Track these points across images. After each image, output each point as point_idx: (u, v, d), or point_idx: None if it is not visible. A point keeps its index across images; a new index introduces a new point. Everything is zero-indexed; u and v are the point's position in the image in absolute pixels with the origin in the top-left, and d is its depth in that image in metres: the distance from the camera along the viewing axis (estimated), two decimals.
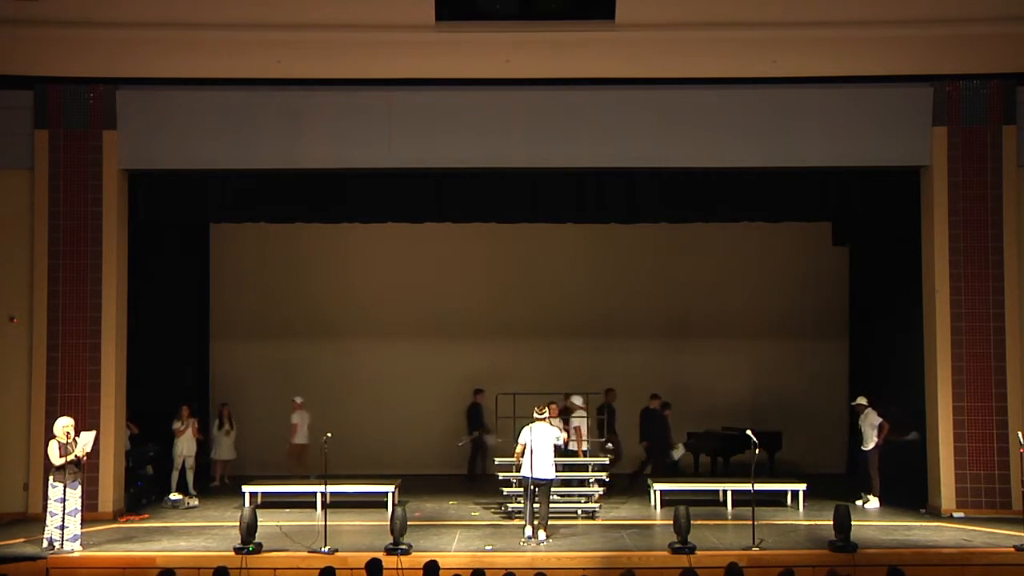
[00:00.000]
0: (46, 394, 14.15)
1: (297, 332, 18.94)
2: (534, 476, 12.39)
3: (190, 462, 15.89)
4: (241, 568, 11.06)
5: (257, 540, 11.66)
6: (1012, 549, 11.76)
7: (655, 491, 14.67)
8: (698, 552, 11.48)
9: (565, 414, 15.41)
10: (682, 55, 14.18)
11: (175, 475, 15.68)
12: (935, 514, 14.04)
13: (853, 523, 11.87)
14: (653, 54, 14.18)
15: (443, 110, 14.53)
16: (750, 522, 12.12)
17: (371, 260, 19.07)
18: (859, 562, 11.21)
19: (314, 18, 13.75)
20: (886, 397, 15.66)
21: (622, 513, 14.39)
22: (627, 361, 18.65)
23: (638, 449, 17.03)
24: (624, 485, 16.02)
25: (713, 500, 14.79)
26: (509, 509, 14.06)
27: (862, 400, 15.24)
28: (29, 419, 14.14)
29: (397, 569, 10.95)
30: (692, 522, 11.75)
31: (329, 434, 12.57)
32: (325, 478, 13.16)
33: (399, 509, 12.02)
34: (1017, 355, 14.22)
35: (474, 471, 17.55)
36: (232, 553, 11.47)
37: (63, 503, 11.68)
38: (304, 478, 16.01)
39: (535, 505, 12.42)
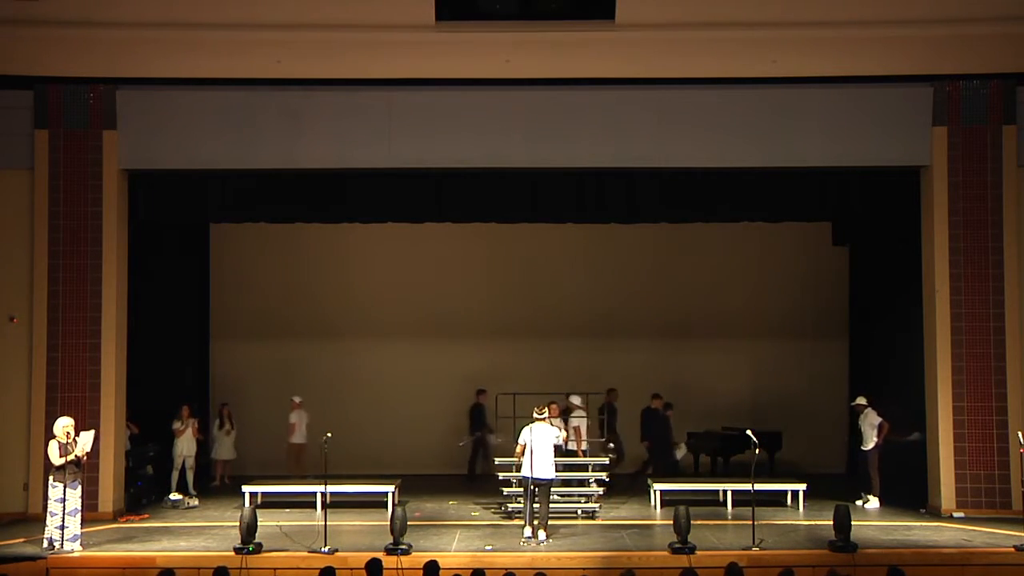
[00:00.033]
0: (46, 394, 14.15)
1: (297, 332, 18.94)
2: (534, 476, 12.39)
3: (190, 462, 15.88)
4: (241, 568, 11.06)
5: (257, 540, 11.66)
6: (1012, 549, 11.77)
7: (655, 491, 14.67)
8: (698, 552, 11.48)
9: (565, 414, 15.42)
10: (682, 55, 14.18)
11: (175, 475, 15.68)
12: (935, 514, 14.04)
13: (853, 523, 11.87)
14: (653, 54, 14.18)
15: (443, 110, 14.53)
16: (750, 522, 12.12)
17: (371, 260, 19.08)
18: (859, 562, 11.21)
19: (314, 18, 13.75)
20: (886, 397, 15.66)
21: (622, 513, 14.39)
22: (627, 361, 18.65)
23: (639, 449, 17.05)
24: (625, 484, 16.03)
25: (713, 500, 14.79)
26: (509, 509, 14.06)
27: (862, 400, 15.25)
28: (29, 419, 14.14)
29: (397, 569, 10.95)
30: (692, 522, 11.75)
31: (329, 434, 12.57)
32: (325, 478, 13.16)
33: (399, 509, 12.02)
34: (1017, 355, 14.22)
35: (474, 471, 17.55)
36: (232, 553, 11.46)
37: (63, 503, 11.68)
38: (303, 478, 16.02)
39: (535, 505, 12.42)
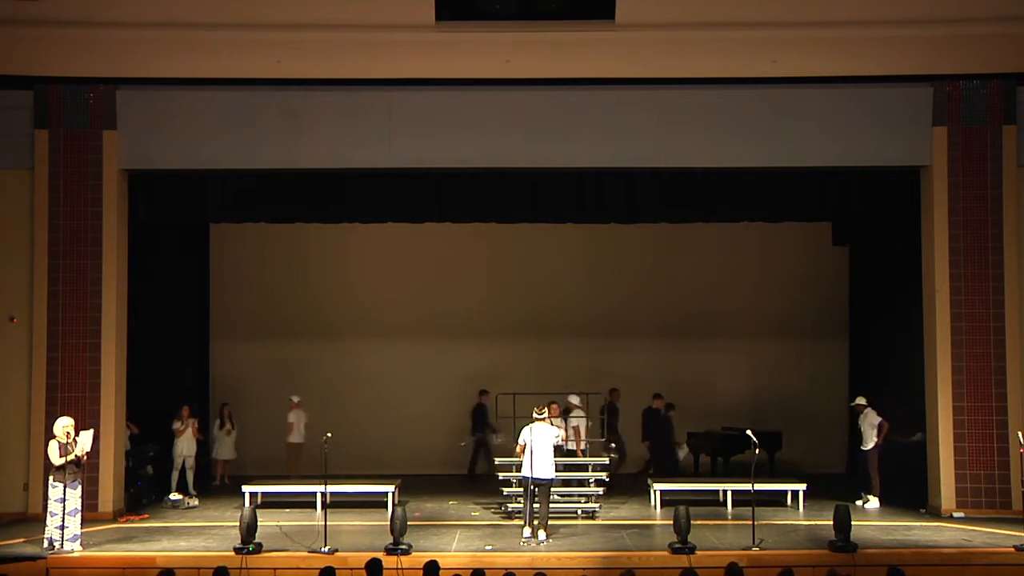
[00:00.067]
0: (46, 394, 14.15)
1: (297, 332, 18.94)
2: (534, 476, 12.39)
3: (190, 462, 15.88)
4: (241, 568, 11.06)
5: (257, 540, 11.66)
6: (1012, 549, 11.76)
7: (655, 491, 14.67)
8: (698, 552, 11.48)
9: (564, 414, 15.42)
10: (682, 55, 14.18)
11: (175, 475, 15.68)
12: (935, 514, 14.04)
13: (853, 523, 11.87)
14: (653, 54, 14.17)
15: (443, 110, 14.53)
16: (750, 522, 12.12)
17: (371, 260, 19.08)
18: (859, 562, 11.21)
19: (314, 18, 13.74)
20: (886, 397, 15.65)
21: (622, 513, 14.39)
22: (627, 361, 18.65)
23: (641, 449, 17.05)
24: (628, 484, 16.02)
25: (713, 500, 14.79)
26: (509, 509, 14.06)
27: (861, 400, 15.24)
28: (29, 419, 14.14)
29: (397, 569, 10.95)
30: (692, 522, 11.75)
31: (329, 434, 12.56)
32: (325, 478, 13.16)
33: (399, 509, 12.02)
34: (1017, 355, 14.22)
35: (475, 471, 17.55)
36: (232, 553, 11.46)
37: (63, 503, 11.68)
38: (302, 478, 16.00)
39: (535, 505, 12.42)
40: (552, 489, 12.95)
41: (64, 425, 11.84)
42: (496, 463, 14.73)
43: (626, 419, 17.06)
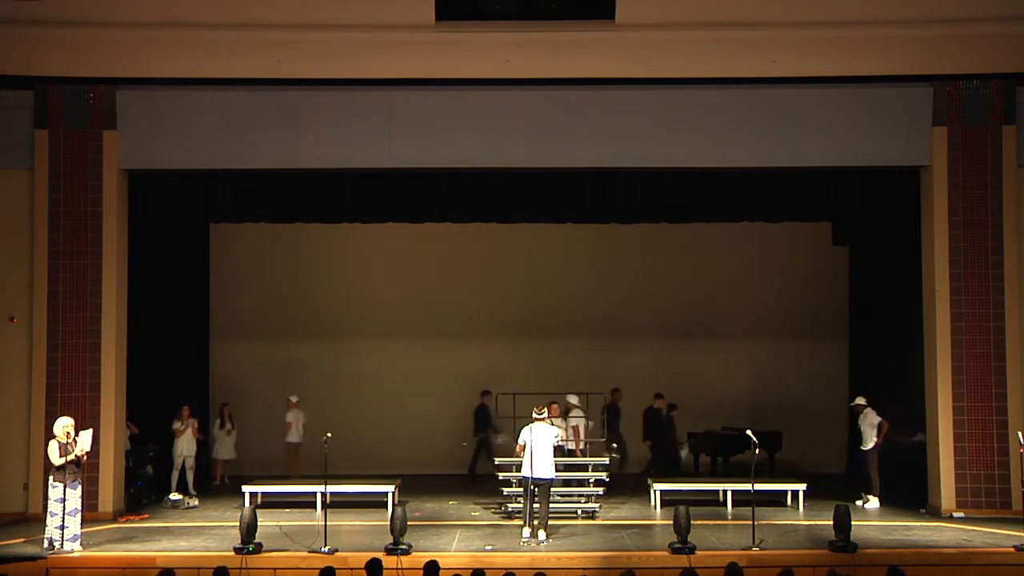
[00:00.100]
0: (46, 394, 14.15)
1: (297, 332, 18.94)
2: (534, 476, 12.39)
3: (190, 462, 15.88)
4: (241, 568, 11.06)
5: (257, 540, 11.66)
6: (1012, 549, 11.76)
7: (655, 491, 14.67)
8: (698, 552, 11.48)
9: (565, 414, 15.41)
10: (682, 55, 14.18)
11: (175, 475, 15.68)
12: (935, 514, 14.04)
13: (853, 523, 11.87)
14: (653, 54, 14.18)
15: (443, 110, 14.53)
16: (750, 522, 12.12)
17: (371, 260, 19.08)
18: (859, 562, 11.21)
19: (314, 18, 13.75)
20: (886, 397, 15.65)
21: (622, 513, 14.39)
22: (627, 361, 18.65)
23: (643, 449, 17.05)
24: (630, 484, 16.02)
25: (713, 500, 14.79)
26: (509, 509, 14.06)
27: (861, 400, 15.24)
28: (29, 419, 14.14)
29: (397, 569, 10.95)
30: (692, 522, 11.75)
31: (329, 434, 12.56)
32: (325, 478, 13.16)
33: (399, 509, 12.02)
34: (1017, 355, 14.22)
35: (475, 471, 17.54)
36: (232, 553, 11.46)
37: (63, 503, 11.68)
38: (302, 478, 16.00)
39: (535, 505, 12.42)
40: (552, 489, 12.94)
41: (64, 425, 11.84)
42: (496, 463, 14.72)
43: (627, 419, 17.05)
